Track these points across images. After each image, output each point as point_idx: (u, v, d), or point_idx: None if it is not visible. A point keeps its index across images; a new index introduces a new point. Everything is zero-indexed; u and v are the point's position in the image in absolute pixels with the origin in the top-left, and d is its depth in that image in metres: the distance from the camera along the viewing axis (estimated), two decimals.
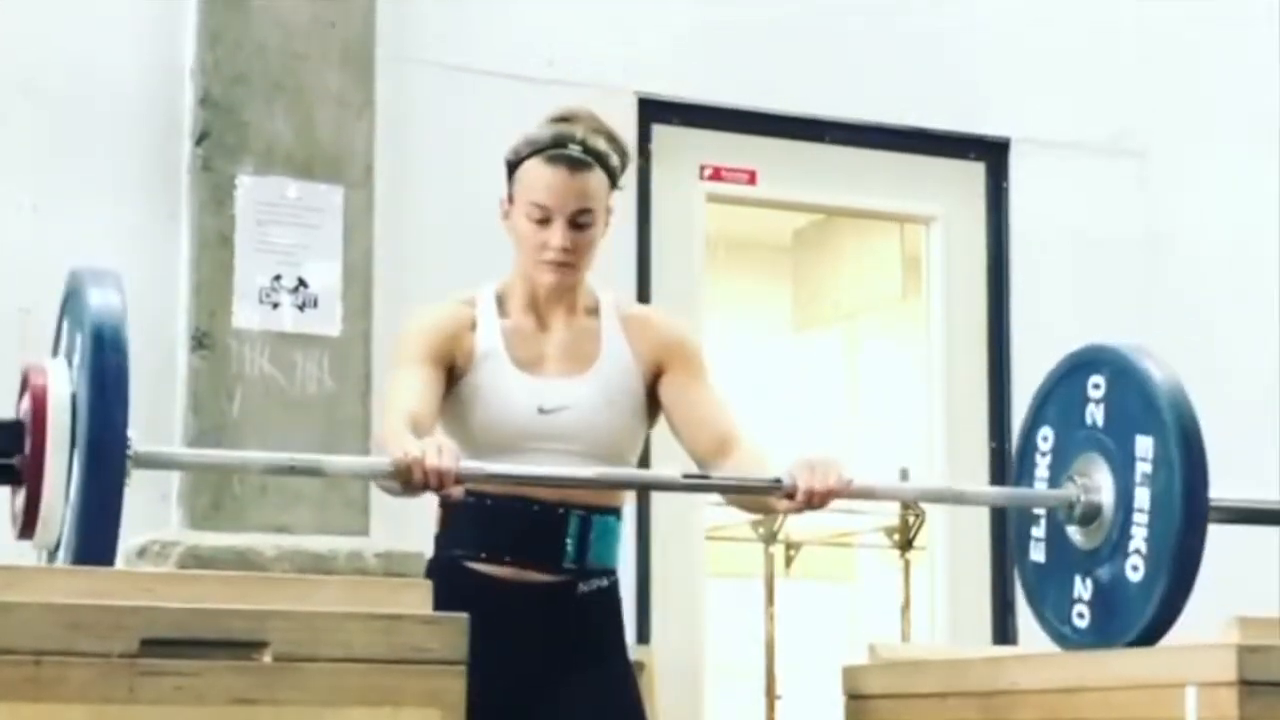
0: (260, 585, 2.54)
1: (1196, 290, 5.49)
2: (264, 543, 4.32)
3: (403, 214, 4.73)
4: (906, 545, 7.68)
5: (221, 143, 4.51)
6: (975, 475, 5.24)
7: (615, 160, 3.21)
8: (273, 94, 4.55)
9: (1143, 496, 2.93)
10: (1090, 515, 3.02)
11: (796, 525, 8.06)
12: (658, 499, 5.00)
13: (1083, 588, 3.04)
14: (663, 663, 4.91)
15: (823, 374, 8.95)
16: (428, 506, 3.17)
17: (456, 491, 2.87)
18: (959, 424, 5.41)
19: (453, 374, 3.17)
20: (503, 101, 4.76)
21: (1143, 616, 2.90)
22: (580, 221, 3.16)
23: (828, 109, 5.30)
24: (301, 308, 4.52)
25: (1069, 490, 3.05)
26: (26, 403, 2.71)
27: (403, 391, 3.10)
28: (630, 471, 3.21)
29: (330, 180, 4.58)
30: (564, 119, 3.22)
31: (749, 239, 7.96)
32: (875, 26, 5.34)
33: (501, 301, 3.24)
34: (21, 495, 2.72)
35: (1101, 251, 5.50)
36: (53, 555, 2.70)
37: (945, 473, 5.32)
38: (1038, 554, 3.16)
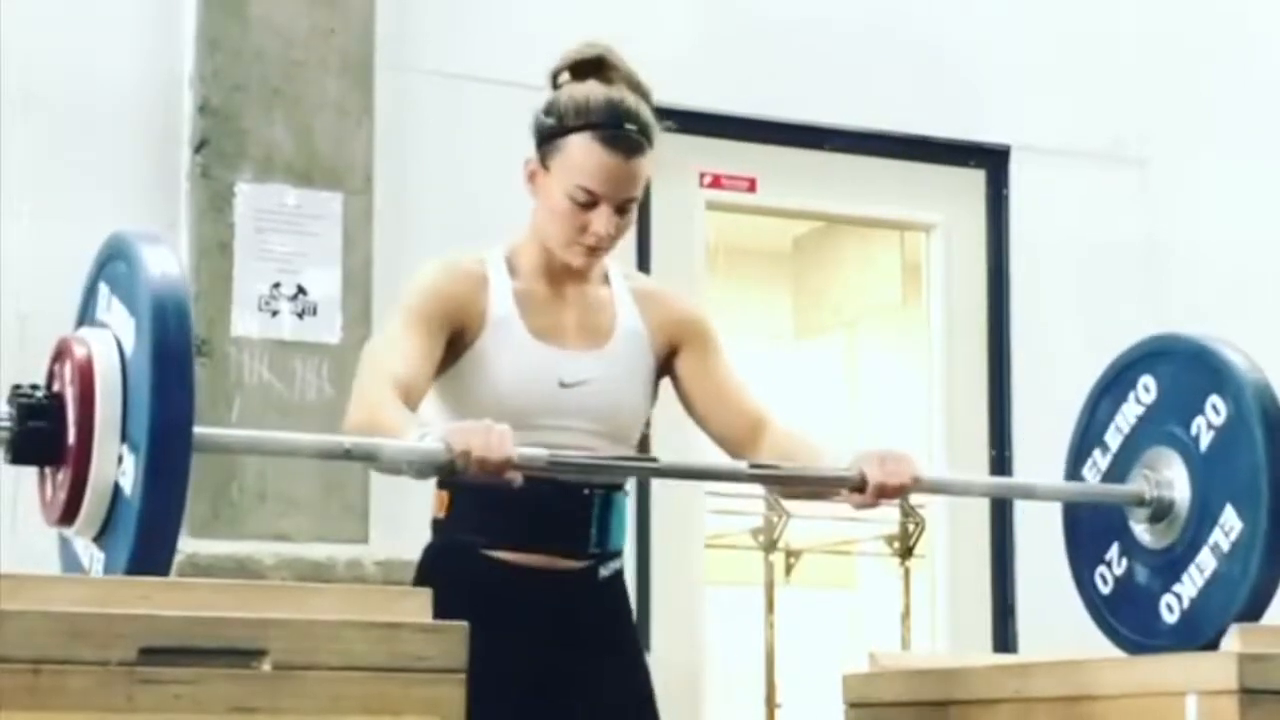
0: (259, 593, 2.52)
1: (1198, 297, 5.48)
2: (263, 550, 4.32)
3: (402, 221, 4.73)
4: (907, 553, 7.67)
5: (220, 150, 4.51)
6: None
7: (655, 125, 3.02)
8: (272, 101, 4.55)
9: (1208, 560, 2.85)
10: (1157, 516, 2.94)
11: (797, 533, 8.05)
12: (656, 504, 4.98)
13: (1116, 557, 3.00)
14: (662, 671, 4.87)
15: (823, 381, 8.94)
16: (427, 512, 3.15)
17: (516, 478, 2.66)
18: (959, 431, 5.40)
19: (460, 341, 2.95)
20: (502, 109, 4.75)
21: (1158, 648, 2.89)
22: (626, 208, 2.97)
23: (828, 116, 5.30)
24: (301, 315, 4.52)
25: (1140, 487, 2.95)
26: (71, 378, 2.50)
27: (394, 354, 2.89)
28: (695, 462, 2.97)
29: (329, 188, 4.57)
30: (593, 62, 3.08)
31: (749, 246, 7.95)
32: (875, 34, 5.34)
33: (512, 265, 3.03)
34: (60, 479, 2.52)
35: (1102, 259, 5.49)
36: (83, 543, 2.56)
37: None
38: (1092, 474, 3.06)
